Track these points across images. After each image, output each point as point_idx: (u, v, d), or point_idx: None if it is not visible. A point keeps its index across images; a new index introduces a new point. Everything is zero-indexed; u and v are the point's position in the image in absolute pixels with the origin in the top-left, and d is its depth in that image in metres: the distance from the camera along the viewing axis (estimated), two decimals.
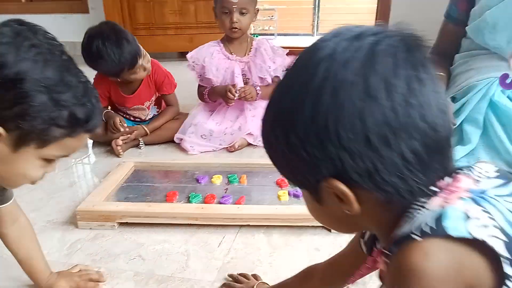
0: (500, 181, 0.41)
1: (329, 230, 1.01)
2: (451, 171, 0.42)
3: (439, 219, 0.36)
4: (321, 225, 1.02)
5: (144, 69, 1.54)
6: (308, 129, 0.39)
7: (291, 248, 0.97)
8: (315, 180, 0.41)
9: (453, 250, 0.36)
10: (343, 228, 0.49)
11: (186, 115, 1.67)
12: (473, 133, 1.16)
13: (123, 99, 1.61)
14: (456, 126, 1.16)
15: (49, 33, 0.58)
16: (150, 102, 1.66)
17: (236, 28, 1.53)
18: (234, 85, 1.53)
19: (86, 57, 1.44)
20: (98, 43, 1.39)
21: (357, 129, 0.37)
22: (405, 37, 0.40)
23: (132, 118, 1.68)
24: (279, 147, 0.42)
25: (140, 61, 1.49)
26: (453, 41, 1.41)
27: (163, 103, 1.73)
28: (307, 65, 0.40)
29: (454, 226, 0.36)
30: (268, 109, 0.43)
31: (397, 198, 0.39)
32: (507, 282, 0.35)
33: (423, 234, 0.36)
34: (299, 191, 1.12)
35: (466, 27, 1.31)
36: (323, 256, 0.93)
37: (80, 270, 0.89)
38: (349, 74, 0.37)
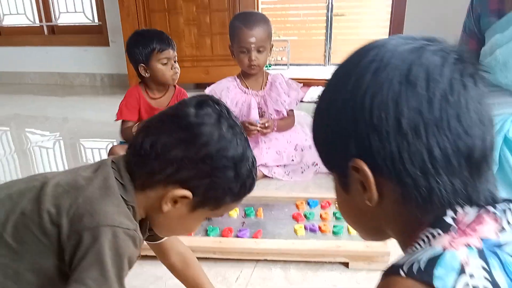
0: None
1: (347, 266, 1.02)
2: (484, 200, 0.39)
3: (433, 261, 0.35)
4: (338, 261, 1.03)
5: (172, 66, 1.63)
6: (346, 103, 0.41)
7: (308, 283, 0.98)
8: (343, 159, 0.42)
9: None
10: (366, 227, 0.49)
11: None
12: None
13: (152, 111, 1.67)
14: None
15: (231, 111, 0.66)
16: None
17: (254, 65, 1.59)
18: (250, 122, 1.57)
19: (130, 37, 1.65)
20: (145, 28, 1.68)
21: (390, 110, 0.38)
22: (460, 51, 0.40)
23: None
24: (320, 121, 0.46)
25: (171, 52, 1.62)
26: None
27: None
28: (361, 50, 0.43)
29: (442, 277, 0.34)
30: (323, 89, 0.47)
31: (415, 196, 0.39)
32: None
33: (409, 273, 0.35)
34: (315, 225, 1.13)
35: None
36: None
37: None
38: (394, 59, 0.39)
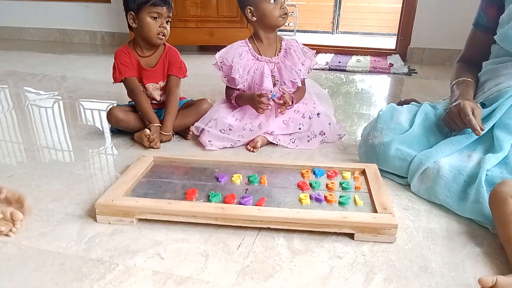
0: None
1: (352, 238, 0.99)
2: None
3: None
4: (343, 231, 1.00)
5: (161, 24, 1.55)
6: None
7: (312, 254, 0.95)
8: None
9: None
10: None
11: (204, 100, 1.69)
12: (505, 140, 1.12)
13: (142, 72, 1.63)
14: (485, 131, 1.13)
15: None
16: (164, 83, 1.68)
17: (286, 13, 1.54)
18: (261, 94, 1.49)
19: None
20: None
21: None
22: None
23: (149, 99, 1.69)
24: None
25: (165, 10, 1.54)
26: (482, 48, 1.38)
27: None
28: None
29: None
30: None
31: None
32: None
33: None
34: (321, 195, 1.10)
35: (495, 35, 1.29)
36: (345, 264, 0.91)
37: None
38: None
